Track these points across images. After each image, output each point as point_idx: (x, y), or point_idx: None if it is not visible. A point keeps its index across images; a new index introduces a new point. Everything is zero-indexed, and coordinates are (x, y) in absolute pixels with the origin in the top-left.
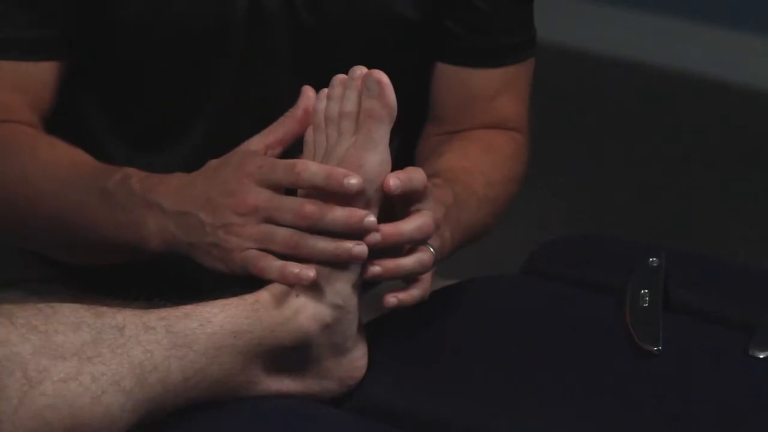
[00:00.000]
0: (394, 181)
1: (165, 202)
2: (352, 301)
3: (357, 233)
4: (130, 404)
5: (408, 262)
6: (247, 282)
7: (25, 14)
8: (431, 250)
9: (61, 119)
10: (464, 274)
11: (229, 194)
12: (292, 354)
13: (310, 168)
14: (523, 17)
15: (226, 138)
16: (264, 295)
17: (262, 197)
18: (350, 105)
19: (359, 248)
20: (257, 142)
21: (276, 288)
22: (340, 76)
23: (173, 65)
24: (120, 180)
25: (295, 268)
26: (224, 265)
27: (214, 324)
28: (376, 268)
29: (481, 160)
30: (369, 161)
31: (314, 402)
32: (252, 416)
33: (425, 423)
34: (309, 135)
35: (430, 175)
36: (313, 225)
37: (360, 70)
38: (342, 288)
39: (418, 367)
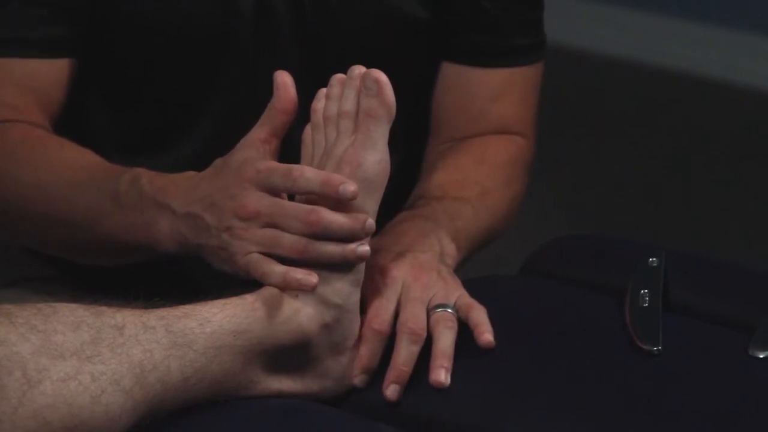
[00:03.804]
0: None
1: (174, 204)
2: (352, 300)
3: (360, 237)
4: (129, 404)
5: (445, 345)
6: (247, 282)
7: (36, 12)
8: (449, 311)
9: (63, 118)
10: (464, 274)
11: (230, 198)
12: (292, 354)
13: (306, 174)
14: (530, 21)
15: (231, 138)
16: (264, 295)
17: (264, 203)
18: (349, 104)
19: (363, 248)
20: (254, 139)
21: (276, 287)
22: (339, 76)
23: (179, 63)
24: (130, 181)
25: (297, 275)
26: (229, 267)
27: (213, 323)
28: (440, 373)
29: (474, 171)
30: (368, 160)
31: (314, 402)
32: (252, 416)
33: (425, 423)
34: (307, 134)
35: (417, 197)
36: (320, 232)
37: (358, 70)
38: (342, 288)
39: (418, 367)
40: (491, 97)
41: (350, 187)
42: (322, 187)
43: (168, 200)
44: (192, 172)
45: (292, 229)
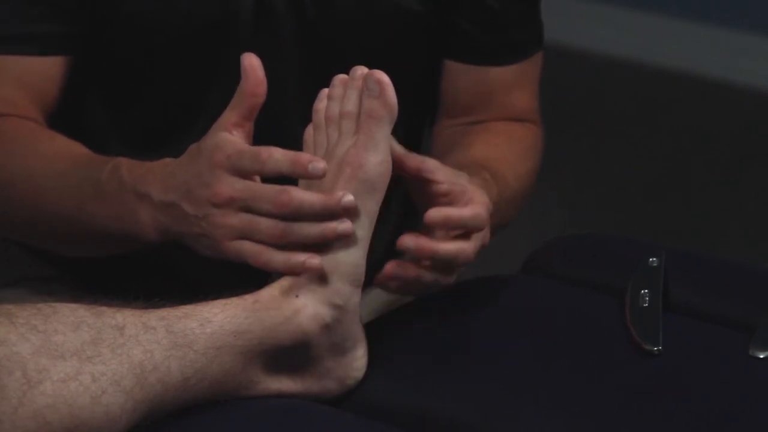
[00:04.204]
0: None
1: (152, 192)
2: (353, 301)
3: (339, 216)
4: (130, 404)
5: (447, 247)
6: (248, 282)
7: (34, 8)
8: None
9: (64, 118)
10: (464, 273)
11: (204, 185)
12: (292, 354)
13: (274, 155)
14: (532, 12)
15: None
16: (264, 295)
17: (236, 187)
18: (351, 105)
19: (344, 226)
20: (224, 123)
21: (276, 288)
22: (341, 76)
23: (178, 61)
24: (111, 170)
25: (300, 257)
26: (214, 254)
27: (213, 324)
28: (408, 242)
29: (508, 152)
30: (370, 161)
31: (314, 402)
32: (252, 416)
33: (425, 423)
34: (309, 135)
35: (467, 164)
36: (292, 212)
37: (361, 70)
38: (342, 288)
39: (418, 366)
40: (506, 90)
41: (319, 164)
42: (292, 166)
43: (147, 189)
44: (169, 159)
45: (264, 211)
